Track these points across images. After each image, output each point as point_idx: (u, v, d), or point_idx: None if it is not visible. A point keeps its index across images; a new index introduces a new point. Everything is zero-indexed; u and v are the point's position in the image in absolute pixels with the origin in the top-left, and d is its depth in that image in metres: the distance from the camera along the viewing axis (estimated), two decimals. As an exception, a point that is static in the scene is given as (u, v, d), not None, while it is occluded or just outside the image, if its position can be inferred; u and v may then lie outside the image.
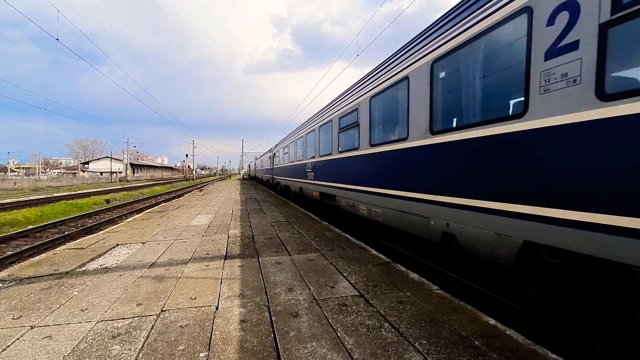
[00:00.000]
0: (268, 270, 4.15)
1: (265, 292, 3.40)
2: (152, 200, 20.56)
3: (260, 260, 4.63)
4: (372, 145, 6.07)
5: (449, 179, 3.90)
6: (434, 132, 4.23)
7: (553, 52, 2.69)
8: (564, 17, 2.61)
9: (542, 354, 2.29)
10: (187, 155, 69.59)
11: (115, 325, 2.68)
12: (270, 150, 23.90)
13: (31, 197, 20.25)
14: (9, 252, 7.64)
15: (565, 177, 2.58)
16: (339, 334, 2.51)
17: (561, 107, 2.61)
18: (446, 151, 3.96)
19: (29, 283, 3.77)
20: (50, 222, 11.61)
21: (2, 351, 2.30)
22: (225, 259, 4.71)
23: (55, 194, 22.67)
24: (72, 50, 14.91)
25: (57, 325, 2.70)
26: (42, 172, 69.76)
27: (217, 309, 2.98)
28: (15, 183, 38.47)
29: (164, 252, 5.13)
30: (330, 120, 8.68)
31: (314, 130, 10.48)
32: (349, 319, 2.78)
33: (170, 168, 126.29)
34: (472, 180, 3.52)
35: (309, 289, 3.48)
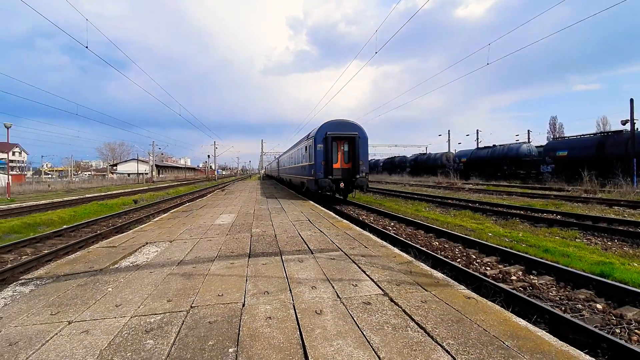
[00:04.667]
0: (291, 268, 4.18)
1: (290, 289, 3.42)
2: (177, 200, 21.15)
3: (283, 258, 4.67)
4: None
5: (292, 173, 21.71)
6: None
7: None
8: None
9: (576, 356, 2.19)
10: (208, 156, 71.10)
11: (148, 320, 2.77)
12: (286, 151, 32.65)
13: (65, 198, 21.27)
14: (46, 251, 8.05)
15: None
16: (364, 332, 2.49)
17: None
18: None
19: (65, 280, 3.95)
20: (83, 221, 12.16)
21: (42, 346, 2.41)
22: (249, 257, 4.78)
23: (87, 195, 23.72)
24: (101, 57, 15.53)
25: (94, 320, 2.82)
26: (74, 174, 73.12)
27: (243, 305, 3.03)
28: (49, 185, 40.53)
29: (190, 250, 5.26)
30: (280, 156, 35.00)
31: (283, 155, 31.59)
32: (373, 317, 2.75)
33: (193, 169, 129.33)
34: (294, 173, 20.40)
35: (333, 287, 3.48)
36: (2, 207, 16.39)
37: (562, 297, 4.65)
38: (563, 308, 4.29)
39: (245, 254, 4.97)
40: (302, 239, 5.97)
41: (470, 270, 5.46)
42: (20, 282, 3.98)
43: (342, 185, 14.00)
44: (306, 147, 15.97)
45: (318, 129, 14.36)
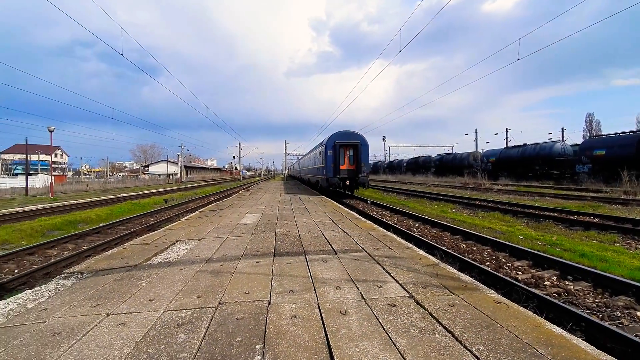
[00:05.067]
0: (315, 268, 4.20)
1: (314, 289, 3.44)
2: (205, 200, 21.79)
3: (307, 258, 4.70)
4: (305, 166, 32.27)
5: (309, 173, 27.14)
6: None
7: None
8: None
9: (617, 367, 2.07)
10: (234, 157, 72.79)
11: (179, 315, 2.88)
12: (305, 155, 38.44)
13: (101, 198, 22.45)
14: (85, 247, 8.53)
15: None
16: (390, 335, 2.47)
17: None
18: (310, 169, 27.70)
19: (103, 275, 4.18)
20: (118, 220, 12.79)
21: (83, 336, 2.55)
22: (274, 256, 4.85)
23: (121, 195, 24.92)
24: (135, 64, 16.29)
25: (130, 313, 2.96)
26: (109, 175, 77.06)
27: (269, 303, 3.08)
28: (87, 185, 42.98)
29: (218, 248, 5.41)
30: (301, 158, 42.41)
31: (302, 158, 37.89)
32: (399, 319, 2.72)
33: (219, 169, 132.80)
34: (311, 173, 25.87)
35: (357, 287, 3.47)
36: (46, 205, 17.54)
37: (600, 304, 4.38)
38: (600, 315, 4.05)
39: (270, 253, 5.05)
40: (326, 239, 5.98)
41: (500, 274, 5.26)
42: (63, 275, 4.25)
43: (347, 182, 17.65)
44: (320, 152, 20.22)
45: (329, 138, 18.18)
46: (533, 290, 4.54)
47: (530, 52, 13.08)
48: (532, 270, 5.72)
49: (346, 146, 17.93)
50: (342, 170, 17.77)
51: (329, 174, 17.59)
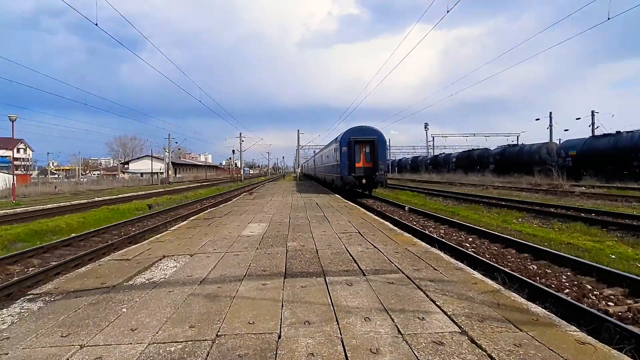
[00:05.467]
0: (338, 293, 4.21)
1: (336, 320, 3.45)
2: (198, 205, 22.28)
3: (327, 280, 4.72)
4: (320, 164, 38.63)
5: (324, 171, 33.00)
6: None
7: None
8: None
9: None
10: (233, 151, 73.86)
11: (167, 349, 2.95)
12: (320, 150, 43.05)
13: (72, 202, 23.36)
14: (54, 263, 8.90)
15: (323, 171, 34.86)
16: (435, 381, 2.44)
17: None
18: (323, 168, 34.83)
19: (75, 297, 4.34)
20: (93, 230, 13.28)
21: (53, 371, 2.68)
22: (285, 277, 4.90)
23: (96, 198, 25.88)
24: (111, 35, 16.88)
25: (107, 345, 3.06)
26: (82, 174, 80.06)
27: (279, 337, 3.11)
28: (56, 187, 44.82)
29: (214, 266, 5.52)
30: (315, 155, 48.95)
31: (317, 155, 45.13)
32: (448, 362, 2.68)
33: (215, 167, 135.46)
34: (326, 171, 31.21)
35: (392, 319, 3.45)
36: (7, 211, 18.43)
37: None
38: None
39: (279, 273, 5.10)
40: (351, 256, 5.98)
41: (584, 306, 5.11)
42: (27, 297, 4.45)
43: (364, 181, 19.94)
44: (334, 149, 23.18)
45: (343, 134, 21.09)
46: (630, 327, 4.37)
47: (626, 9, 12.58)
48: (628, 301, 5.52)
49: (362, 142, 20.44)
50: (358, 169, 20.30)
51: (344, 173, 20.32)
